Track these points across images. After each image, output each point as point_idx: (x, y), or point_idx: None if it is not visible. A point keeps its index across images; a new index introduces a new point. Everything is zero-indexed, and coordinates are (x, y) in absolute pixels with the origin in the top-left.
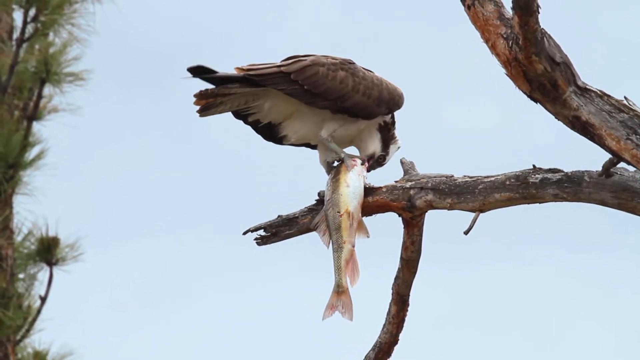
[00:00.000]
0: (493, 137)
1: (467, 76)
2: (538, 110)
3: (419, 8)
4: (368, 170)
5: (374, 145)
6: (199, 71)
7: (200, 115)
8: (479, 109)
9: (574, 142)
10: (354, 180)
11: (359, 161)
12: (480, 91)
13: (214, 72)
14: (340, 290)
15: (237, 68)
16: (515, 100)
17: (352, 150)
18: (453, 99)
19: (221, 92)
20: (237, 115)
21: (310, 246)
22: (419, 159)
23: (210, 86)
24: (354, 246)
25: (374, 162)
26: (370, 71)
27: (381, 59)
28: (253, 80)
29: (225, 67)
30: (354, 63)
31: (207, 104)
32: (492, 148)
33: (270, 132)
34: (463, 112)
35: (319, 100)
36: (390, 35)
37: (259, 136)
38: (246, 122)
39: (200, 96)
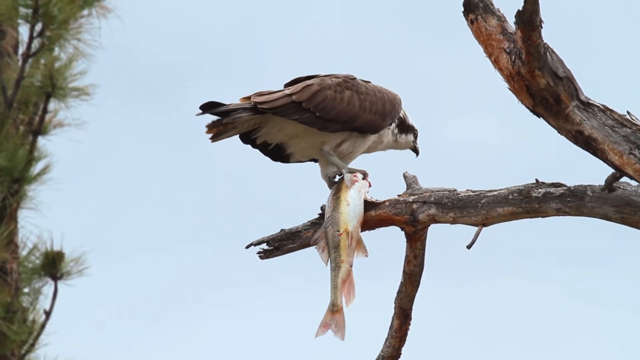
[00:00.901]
0: (496, 154)
1: (469, 92)
2: (540, 127)
3: (421, 23)
4: (418, 152)
5: (408, 141)
6: (210, 106)
7: (213, 142)
8: (482, 125)
9: (576, 158)
10: (355, 198)
11: (360, 176)
12: (482, 107)
13: (225, 105)
14: (335, 309)
15: (243, 98)
16: (518, 116)
17: (358, 163)
18: (455, 114)
19: (231, 121)
20: (245, 139)
21: (311, 262)
22: (422, 175)
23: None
24: (351, 266)
25: (415, 145)
26: (368, 82)
27: (382, 75)
28: (265, 111)
29: (228, 84)
30: (355, 78)
31: (218, 132)
32: (495, 165)
33: (278, 153)
34: (465, 129)
35: (331, 124)
36: (392, 52)
37: (268, 158)
38: (254, 146)
39: (212, 126)
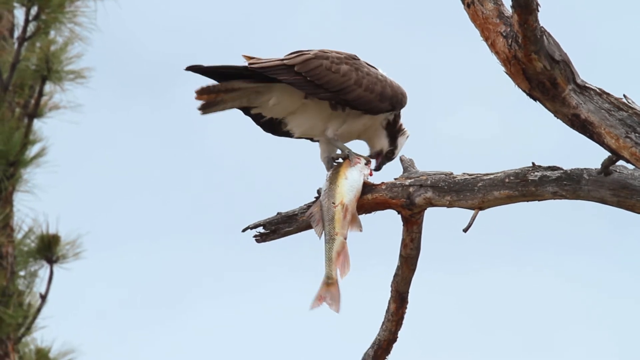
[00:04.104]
0: (491, 147)
1: (465, 85)
2: (535, 119)
3: (418, 15)
4: (378, 168)
5: (381, 143)
6: (198, 69)
7: (202, 113)
8: (478, 118)
9: (573, 149)
10: (354, 174)
11: (362, 160)
12: (478, 100)
13: (212, 68)
14: (329, 282)
15: (245, 55)
16: (514, 108)
17: (359, 147)
18: (451, 108)
19: (223, 88)
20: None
21: (308, 246)
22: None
23: (212, 82)
24: (346, 238)
25: (384, 158)
26: (375, 68)
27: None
28: (255, 72)
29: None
30: (358, 59)
31: (208, 102)
32: (491, 158)
33: (271, 125)
34: (461, 122)
35: (320, 91)
36: (389, 44)
37: (259, 128)
38: (248, 115)
39: (202, 91)
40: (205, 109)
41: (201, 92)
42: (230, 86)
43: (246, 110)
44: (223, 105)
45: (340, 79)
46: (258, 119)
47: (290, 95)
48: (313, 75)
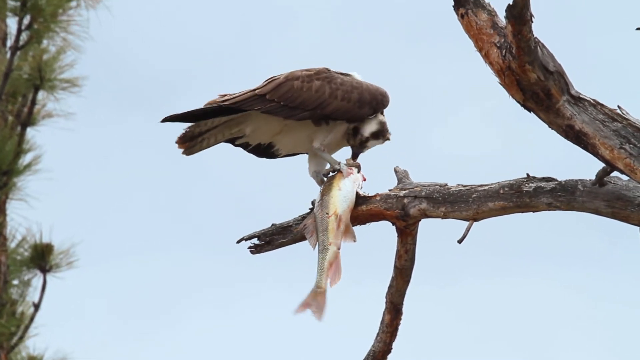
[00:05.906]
0: (486, 160)
1: (463, 97)
2: (534, 130)
3: (414, 27)
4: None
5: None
6: (173, 119)
7: (187, 155)
8: (472, 131)
9: (571, 160)
10: (347, 185)
11: (355, 169)
12: (473, 114)
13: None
14: (318, 291)
15: (220, 94)
16: (508, 121)
17: (341, 154)
18: (448, 119)
19: (200, 130)
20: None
21: (299, 260)
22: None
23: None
24: (339, 248)
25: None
26: (349, 75)
27: (374, 80)
28: (230, 108)
29: (217, 90)
30: (329, 71)
31: (190, 144)
32: (488, 169)
33: (262, 150)
34: (458, 134)
35: (297, 112)
36: (385, 57)
37: (252, 155)
38: (235, 145)
39: (182, 139)
40: (188, 150)
41: (181, 142)
42: (205, 127)
43: (232, 142)
44: (206, 143)
45: (314, 95)
46: (246, 148)
47: (267, 120)
48: (286, 99)
